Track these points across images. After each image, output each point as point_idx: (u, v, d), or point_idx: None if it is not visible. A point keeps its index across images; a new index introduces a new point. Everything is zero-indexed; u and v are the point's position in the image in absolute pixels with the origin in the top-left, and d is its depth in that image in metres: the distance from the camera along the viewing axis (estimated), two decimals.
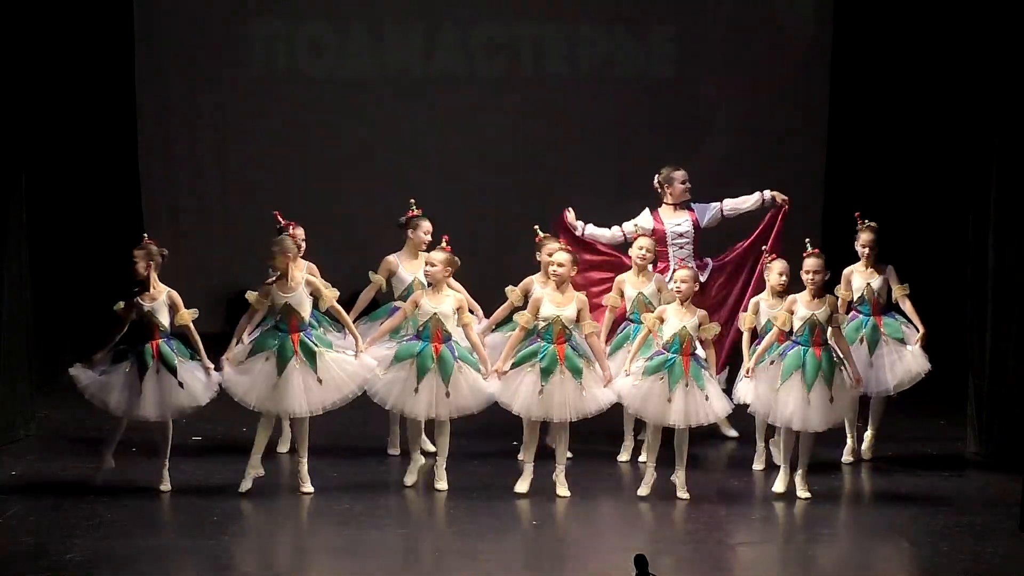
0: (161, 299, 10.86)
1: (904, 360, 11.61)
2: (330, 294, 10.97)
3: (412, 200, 11.76)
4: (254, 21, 15.97)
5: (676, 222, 12.20)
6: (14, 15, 12.27)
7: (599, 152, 16.02)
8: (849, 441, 11.77)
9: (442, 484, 11.07)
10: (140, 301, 10.84)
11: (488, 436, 11.71)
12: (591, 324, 10.91)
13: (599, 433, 11.77)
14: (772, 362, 10.93)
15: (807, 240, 11.15)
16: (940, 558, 9.86)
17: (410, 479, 11.13)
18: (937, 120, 14.54)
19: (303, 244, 11.52)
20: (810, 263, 10.95)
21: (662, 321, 10.90)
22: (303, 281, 10.85)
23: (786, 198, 12.16)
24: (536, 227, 11.58)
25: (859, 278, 11.73)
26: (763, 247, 11.90)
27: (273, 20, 15.97)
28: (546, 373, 10.77)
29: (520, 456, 11.24)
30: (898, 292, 11.67)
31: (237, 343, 10.84)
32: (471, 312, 11.22)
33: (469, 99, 16.03)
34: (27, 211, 12.40)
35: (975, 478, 11.51)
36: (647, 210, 12.17)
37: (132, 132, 15.63)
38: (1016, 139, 11.65)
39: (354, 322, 11.44)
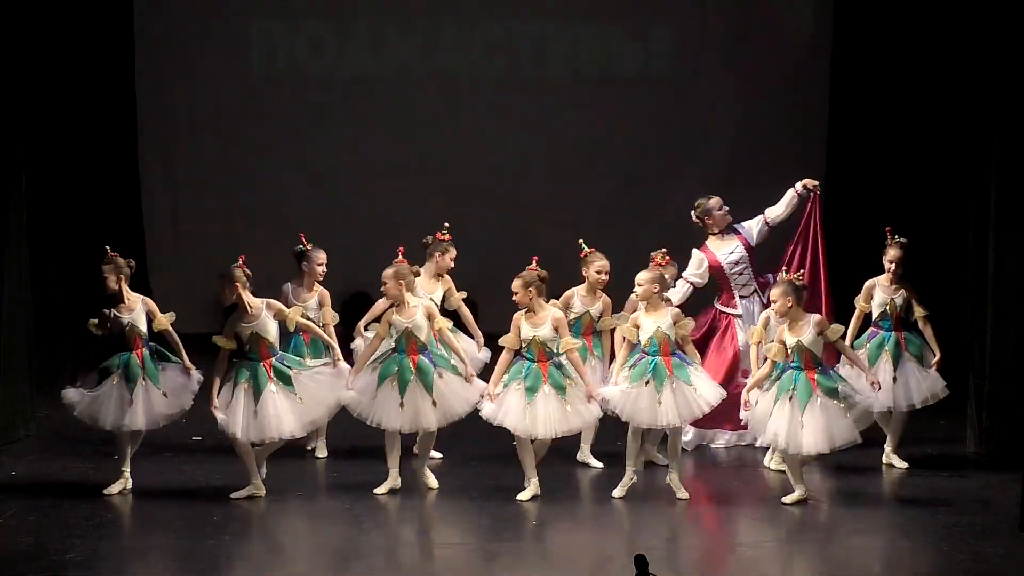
0: (138, 309, 10.91)
1: (927, 380, 11.54)
2: (293, 313, 10.91)
3: (446, 224, 11.70)
4: (254, 21, 15.96)
5: (728, 251, 11.97)
6: (15, 16, 12.27)
7: (599, 152, 16.00)
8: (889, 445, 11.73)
9: (432, 482, 11.09)
10: (118, 315, 10.87)
11: (489, 437, 11.68)
12: (568, 340, 10.85)
13: (599, 434, 11.75)
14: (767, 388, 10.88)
15: (784, 268, 11.14)
16: (940, 558, 9.85)
17: (382, 489, 11.05)
18: (937, 121, 14.53)
19: (324, 268, 11.52)
20: (771, 292, 10.94)
21: (638, 328, 10.89)
22: (263, 306, 10.79)
23: (816, 182, 12.04)
24: (581, 242, 11.38)
25: (882, 293, 11.57)
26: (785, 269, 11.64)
27: (273, 20, 15.96)
28: (531, 391, 10.75)
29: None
30: (919, 314, 11.56)
31: (219, 389, 10.72)
32: (471, 336, 11.15)
33: (469, 99, 16.02)
34: (27, 211, 12.41)
35: (975, 478, 11.50)
36: (695, 251, 11.95)
37: (132, 132, 15.64)
38: (1016, 140, 11.64)
39: (364, 328, 11.44)
